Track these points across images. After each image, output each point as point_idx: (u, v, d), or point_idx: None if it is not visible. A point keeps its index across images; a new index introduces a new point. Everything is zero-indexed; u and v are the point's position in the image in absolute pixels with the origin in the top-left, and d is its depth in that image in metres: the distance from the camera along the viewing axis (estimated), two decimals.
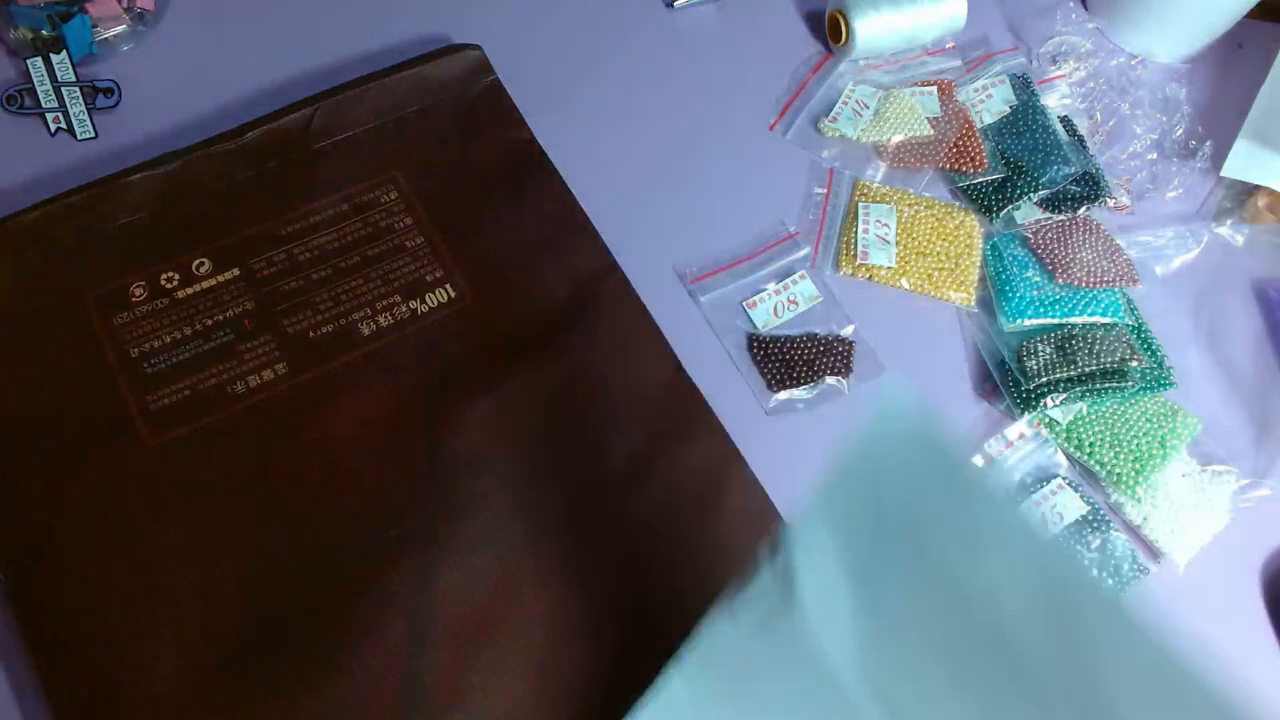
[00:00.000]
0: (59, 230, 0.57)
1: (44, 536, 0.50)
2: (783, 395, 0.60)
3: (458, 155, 0.64)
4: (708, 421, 0.57)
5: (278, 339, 0.56)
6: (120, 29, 0.66)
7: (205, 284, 0.57)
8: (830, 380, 0.61)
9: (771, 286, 0.64)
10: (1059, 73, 0.75)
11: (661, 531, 0.53)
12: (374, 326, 0.57)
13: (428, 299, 0.58)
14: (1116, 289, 0.64)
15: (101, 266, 0.57)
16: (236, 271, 0.58)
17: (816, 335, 0.62)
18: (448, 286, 0.59)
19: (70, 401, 0.53)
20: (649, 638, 0.50)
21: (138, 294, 0.57)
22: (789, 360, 0.61)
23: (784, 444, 0.59)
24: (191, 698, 0.47)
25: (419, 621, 0.49)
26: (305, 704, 0.47)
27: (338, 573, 0.50)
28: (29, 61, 0.63)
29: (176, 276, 0.57)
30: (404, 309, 0.58)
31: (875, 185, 0.68)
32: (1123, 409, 0.61)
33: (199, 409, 0.54)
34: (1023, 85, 0.73)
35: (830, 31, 0.73)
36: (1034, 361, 0.61)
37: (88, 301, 0.56)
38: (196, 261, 0.58)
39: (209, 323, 0.56)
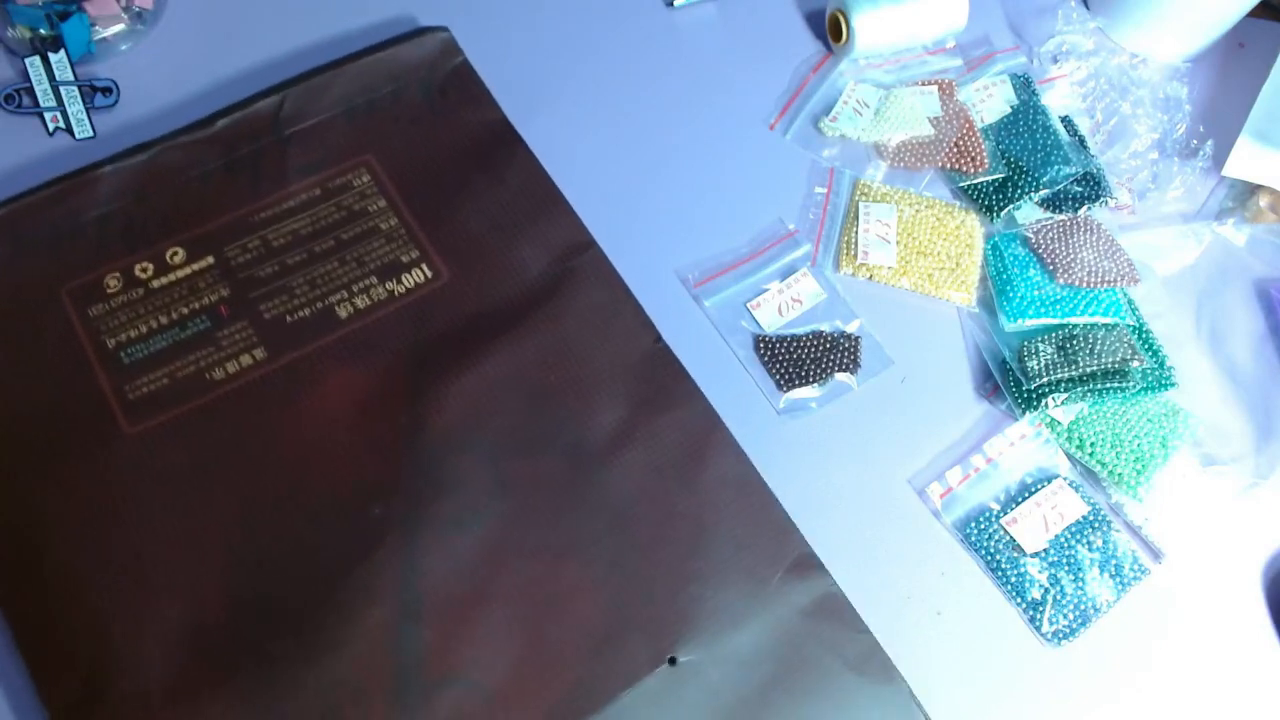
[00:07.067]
0: (30, 224, 0.57)
1: (27, 530, 0.50)
2: (793, 395, 0.60)
3: (429, 136, 0.64)
4: (688, 389, 0.58)
5: (255, 324, 0.56)
6: (119, 28, 0.65)
7: (180, 273, 0.57)
8: (840, 377, 0.61)
9: (774, 286, 0.63)
10: (1060, 72, 0.75)
11: (645, 499, 0.54)
12: (351, 309, 0.57)
13: (404, 279, 0.59)
14: (1117, 289, 0.64)
15: (75, 259, 0.57)
16: (211, 260, 0.58)
17: (823, 333, 0.62)
18: (424, 266, 0.59)
19: (48, 393, 0.53)
20: (636, 603, 0.51)
21: (113, 285, 0.57)
22: (797, 359, 0.61)
23: (798, 443, 0.59)
24: (181, 685, 0.47)
25: (408, 598, 0.50)
26: (299, 685, 0.47)
27: (325, 553, 0.51)
28: (27, 60, 0.63)
29: (151, 267, 0.57)
30: (381, 290, 0.58)
31: (876, 185, 0.68)
32: (1124, 409, 0.61)
33: (178, 396, 0.54)
34: (1024, 85, 0.73)
35: (831, 31, 0.73)
36: (1035, 361, 0.61)
37: (62, 294, 0.56)
38: (170, 251, 0.58)
39: (185, 311, 0.56)
